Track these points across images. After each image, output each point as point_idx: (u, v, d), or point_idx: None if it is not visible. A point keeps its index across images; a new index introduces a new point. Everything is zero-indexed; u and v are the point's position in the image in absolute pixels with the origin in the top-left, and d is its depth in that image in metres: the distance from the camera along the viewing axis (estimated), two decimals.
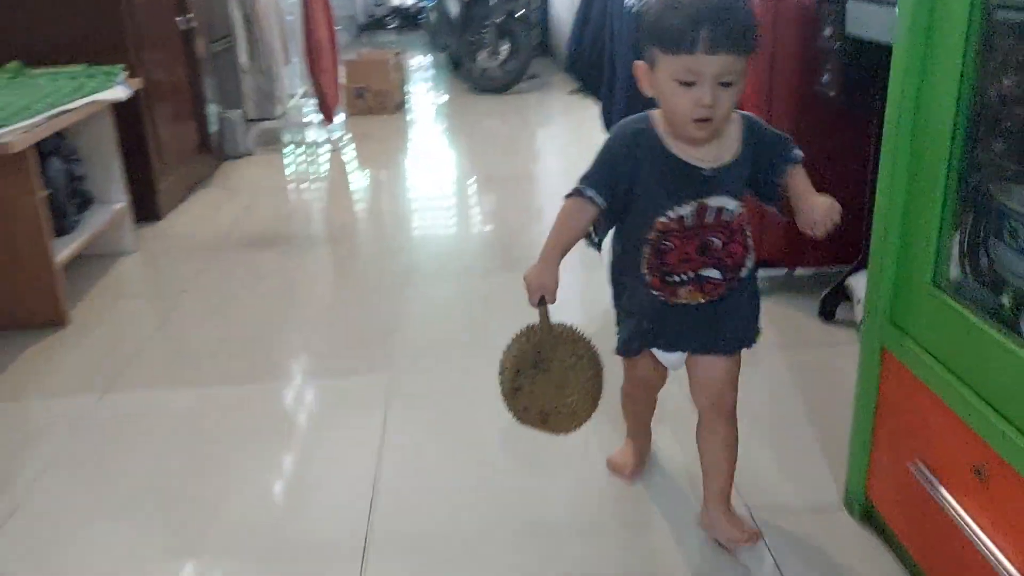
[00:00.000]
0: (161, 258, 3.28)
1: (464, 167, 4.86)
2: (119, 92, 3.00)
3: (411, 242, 3.53)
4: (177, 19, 3.95)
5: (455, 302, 2.85)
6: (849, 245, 2.29)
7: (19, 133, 2.36)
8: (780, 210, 1.42)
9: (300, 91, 5.77)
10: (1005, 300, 1.28)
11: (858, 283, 2.25)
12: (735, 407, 1.51)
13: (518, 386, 1.39)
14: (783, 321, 2.45)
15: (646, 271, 1.39)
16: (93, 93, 2.86)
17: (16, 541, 1.70)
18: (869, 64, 1.99)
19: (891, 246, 1.41)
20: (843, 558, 1.56)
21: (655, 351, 1.50)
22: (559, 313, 1.40)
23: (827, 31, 2.19)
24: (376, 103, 5.91)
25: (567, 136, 5.36)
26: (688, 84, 1.24)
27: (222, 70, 4.71)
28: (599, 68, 3.12)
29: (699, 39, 1.21)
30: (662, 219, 1.35)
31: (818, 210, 1.32)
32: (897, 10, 1.36)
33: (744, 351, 1.49)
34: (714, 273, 1.39)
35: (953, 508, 1.26)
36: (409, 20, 11.50)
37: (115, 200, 3.21)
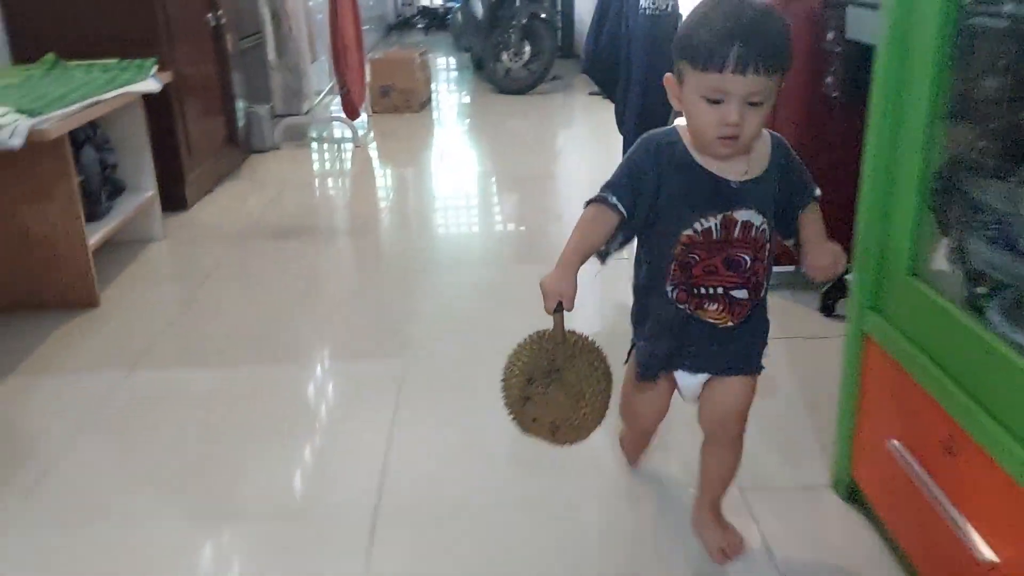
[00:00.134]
0: (187, 246, 3.40)
1: (486, 165, 4.96)
2: (151, 84, 3.12)
3: (431, 235, 3.64)
4: (207, 16, 4.08)
5: (471, 292, 2.94)
6: (851, 244, 2.36)
7: (55, 121, 2.48)
8: (796, 246, 1.42)
9: (327, 88, 5.89)
10: (975, 288, 1.35)
11: None
12: (743, 430, 1.51)
13: (528, 395, 1.34)
14: (785, 315, 2.52)
15: (670, 288, 1.38)
16: (126, 85, 2.98)
17: (45, 502, 1.81)
18: (869, 67, 2.05)
19: (872, 238, 1.49)
20: (827, 535, 1.64)
21: (676, 375, 1.47)
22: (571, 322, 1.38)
23: (830, 35, 2.26)
24: (401, 101, 6.02)
25: (587, 137, 5.44)
26: (715, 102, 1.22)
27: (251, 66, 4.83)
28: (615, 70, 3.20)
29: (728, 58, 1.18)
30: (688, 232, 1.32)
31: (825, 257, 1.36)
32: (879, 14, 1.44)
33: None
34: (743, 294, 1.36)
35: (925, 483, 1.34)
36: (437, 21, 11.63)
37: (145, 189, 3.33)
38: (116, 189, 3.17)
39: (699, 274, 1.35)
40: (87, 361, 2.43)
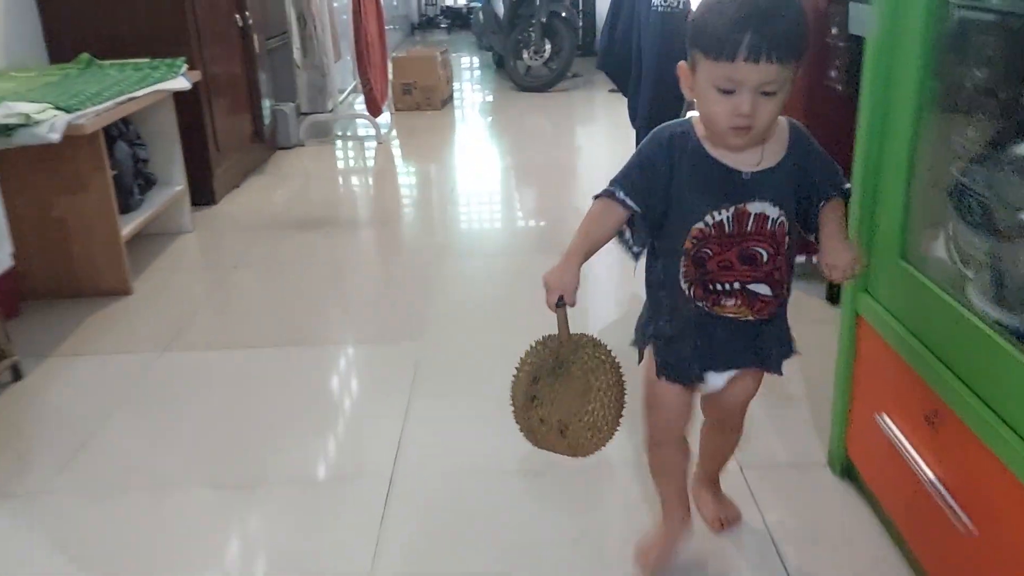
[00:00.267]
0: (216, 237, 3.52)
1: (505, 160, 5.05)
2: (181, 82, 3.23)
3: (451, 227, 3.74)
4: (235, 17, 4.20)
5: (489, 282, 3.04)
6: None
7: (91, 117, 2.59)
8: (818, 240, 1.35)
9: (351, 86, 6.00)
10: (960, 270, 1.43)
11: None
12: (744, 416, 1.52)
13: (534, 395, 1.28)
14: (791, 302, 2.58)
15: (686, 285, 1.32)
16: (157, 83, 3.09)
17: (81, 472, 1.92)
18: None
19: (864, 224, 1.56)
20: (822, 508, 1.71)
21: (708, 376, 1.40)
22: (579, 321, 1.37)
23: (834, 30, 2.33)
24: (423, 99, 6.12)
25: (607, 132, 5.51)
26: (727, 91, 1.18)
27: (277, 65, 4.95)
28: (628, 65, 3.28)
29: (740, 47, 1.13)
30: (699, 225, 1.27)
31: (843, 256, 1.28)
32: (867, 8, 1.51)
33: None
34: (764, 289, 1.31)
35: (909, 454, 1.41)
36: (460, 20, 11.74)
37: (175, 183, 3.45)
38: (148, 183, 3.30)
39: (714, 269, 1.30)
40: (121, 344, 2.55)
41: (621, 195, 1.28)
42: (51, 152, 2.53)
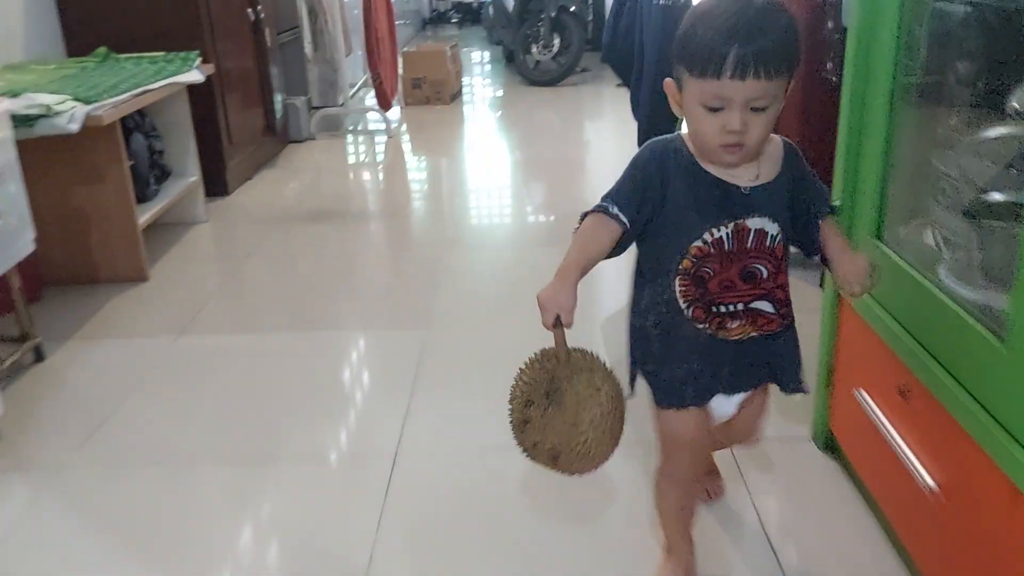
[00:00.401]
0: (229, 227, 3.62)
1: (514, 154, 5.13)
2: (195, 75, 3.33)
3: (459, 220, 3.83)
4: (247, 11, 4.30)
5: (496, 273, 3.13)
6: None
7: (108, 108, 2.69)
8: (824, 262, 1.33)
9: (361, 81, 6.10)
10: (934, 250, 1.50)
11: None
12: None
13: (527, 418, 1.24)
14: None
15: (685, 305, 1.26)
16: (172, 76, 3.19)
17: (100, 449, 2.02)
18: None
19: (844, 206, 1.64)
20: (805, 480, 1.79)
21: (715, 401, 1.34)
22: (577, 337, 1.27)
23: (830, 23, 2.40)
24: (433, 93, 6.21)
25: (614, 126, 5.59)
26: (716, 109, 1.14)
27: (288, 59, 5.05)
28: (631, 58, 3.36)
29: (726, 63, 1.09)
30: (697, 243, 1.23)
31: (859, 269, 1.27)
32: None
33: None
34: (766, 306, 1.28)
35: (882, 424, 1.49)
36: (471, 15, 11.82)
37: (189, 174, 3.55)
38: (163, 173, 3.40)
39: (716, 289, 1.25)
40: (138, 328, 2.65)
41: (615, 210, 1.23)
42: (70, 143, 2.62)
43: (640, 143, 3.35)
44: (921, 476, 1.35)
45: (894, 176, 1.52)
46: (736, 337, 1.28)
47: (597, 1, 8.29)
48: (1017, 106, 1.32)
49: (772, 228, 1.24)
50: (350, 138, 5.36)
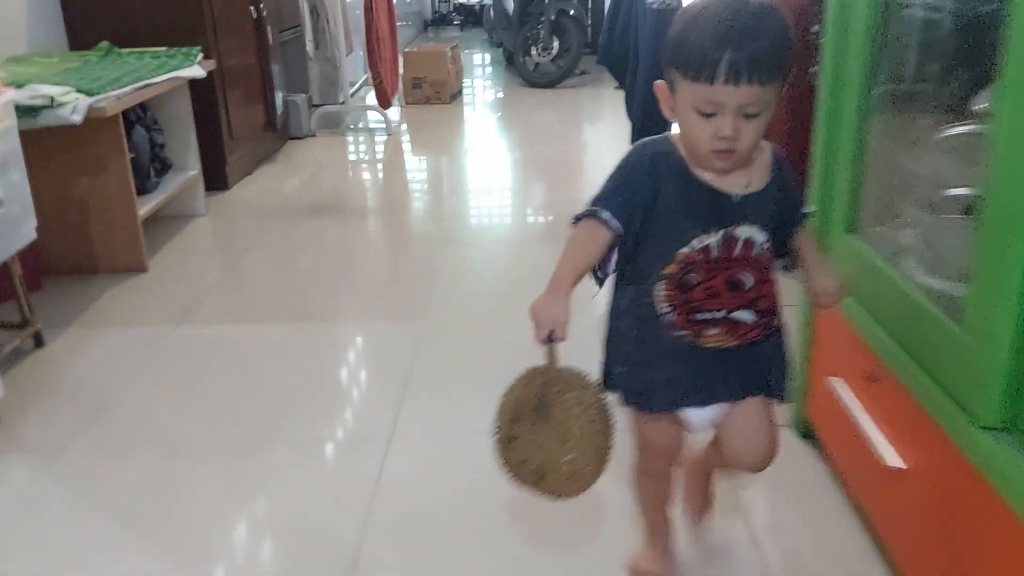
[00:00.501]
0: (228, 221, 3.68)
1: (511, 153, 5.20)
2: (196, 70, 3.38)
3: (456, 217, 3.88)
4: (250, 8, 4.36)
5: (491, 269, 3.18)
6: None
7: (111, 100, 2.75)
8: (787, 266, 1.35)
9: (361, 80, 6.16)
10: (897, 241, 1.56)
11: None
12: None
13: (514, 435, 1.21)
14: None
15: (668, 309, 1.24)
16: (174, 71, 3.24)
17: (99, 433, 2.07)
18: None
19: (820, 203, 1.70)
20: (783, 467, 1.81)
21: (687, 412, 1.32)
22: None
23: (815, 28, 2.46)
24: (433, 93, 6.27)
25: (612, 128, 5.63)
26: (708, 114, 1.12)
27: (290, 57, 5.11)
28: (627, 60, 3.43)
29: (719, 68, 1.07)
30: (685, 250, 1.21)
31: (832, 282, 1.30)
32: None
33: None
34: (747, 316, 1.25)
35: (852, 407, 1.54)
36: (473, 17, 11.89)
37: (189, 168, 3.61)
38: (163, 167, 3.45)
39: (700, 297, 1.23)
40: (137, 317, 2.71)
41: (605, 215, 1.20)
42: (73, 134, 2.68)
43: (633, 141, 3.41)
44: (888, 457, 1.41)
45: (866, 174, 1.58)
46: (712, 344, 1.25)
47: (596, 5, 8.35)
48: (977, 108, 1.37)
49: (760, 236, 1.23)
50: (350, 136, 5.42)
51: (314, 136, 5.23)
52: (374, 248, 3.51)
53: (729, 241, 1.21)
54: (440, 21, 12.52)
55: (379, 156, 5.00)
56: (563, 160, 4.86)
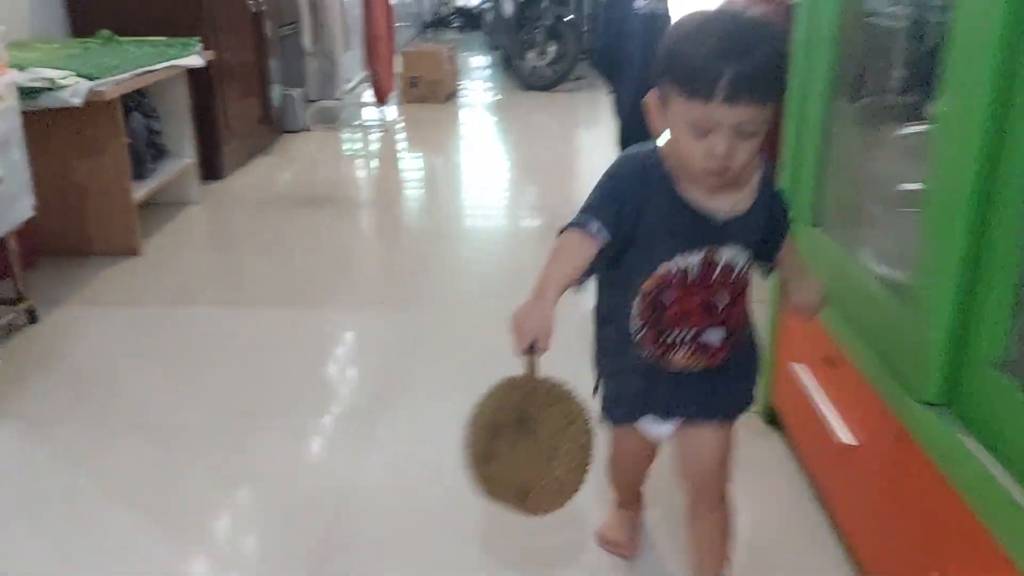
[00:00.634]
0: (222, 209, 3.75)
1: (502, 150, 5.29)
2: (195, 60, 3.46)
3: (447, 210, 3.98)
4: (249, 3, 4.43)
5: (479, 260, 3.27)
6: None
7: (110, 85, 2.82)
8: (767, 272, 1.33)
9: (358, 76, 6.23)
10: (856, 234, 1.64)
11: None
12: (727, 487, 1.37)
13: (494, 452, 1.15)
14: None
15: (639, 324, 1.23)
16: (173, 59, 3.32)
17: (91, 406, 2.15)
18: None
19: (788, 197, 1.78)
20: (749, 451, 1.90)
21: (645, 421, 1.33)
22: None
23: None
24: (429, 92, 6.34)
25: (605, 132, 5.71)
26: (702, 131, 1.08)
27: (287, 52, 5.19)
28: (619, 63, 3.50)
29: (716, 87, 1.04)
30: (662, 268, 1.19)
31: (811, 295, 1.30)
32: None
33: None
34: (717, 335, 1.23)
35: (813, 392, 1.62)
36: (472, 20, 11.96)
37: (185, 156, 3.68)
38: (159, 153, 3.52)
39: (673, 316, 1.21)
40: (130, 298, 2.78)
41: (594, 226, 1.16)
42: (72, 116, 2.75)
43: (619, 141, 3.49)
44: (841, 435, 1.49)
45: (829, 172, 1.66)
46: (678, 368, 1.24)
47: (593, 12, 8.43)
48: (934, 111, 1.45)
49: (741, 258, 1.21)
50: (345, 131, 5.49)
51: (309, 130, 5.30)
52: (365, 239, 3.59)
53: (709, 264, 1.19)
54: (440, 23, 12.58)
55: (373, 151, 5.08)
56: (555, 161, 4.94)
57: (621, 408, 1.33)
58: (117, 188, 3.02)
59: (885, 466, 1.36)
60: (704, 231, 1.18)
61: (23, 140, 2.33)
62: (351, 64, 5.94)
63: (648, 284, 1.20)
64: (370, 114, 5.76)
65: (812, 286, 1.31)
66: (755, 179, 1.21)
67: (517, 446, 1.15)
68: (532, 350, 1.11)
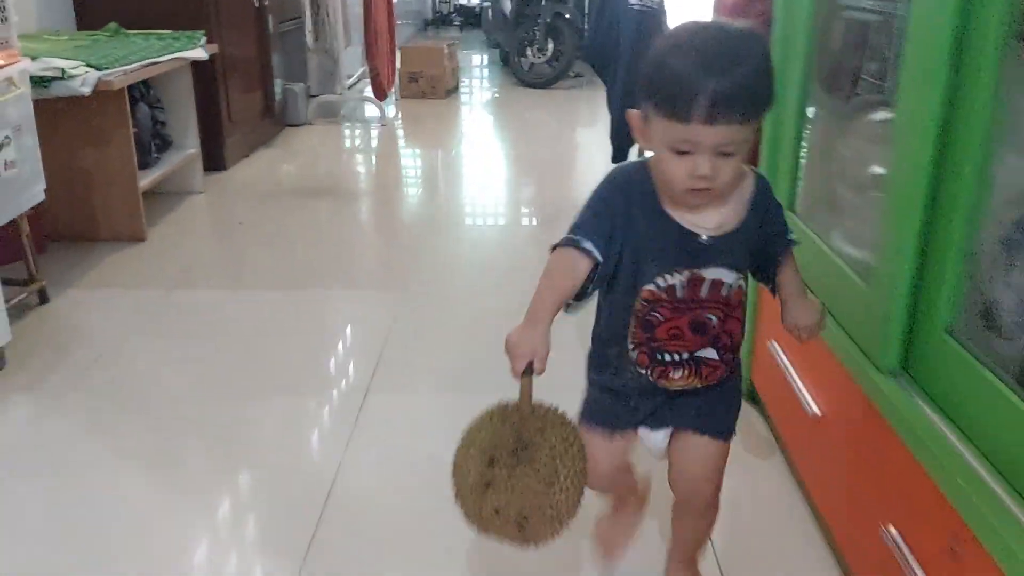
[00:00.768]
0: (224, 199, 3.84)
1: (499, 145, 5.38)
2: (199, 53, 3.55)
3: (444, 202, 4.06)
4: None
5: (472, 250, 3.36)
6: None
7: (118, 75, 2.91)
8: (775, 291, 1.30)
9: (359, 72, 6.32)
10: (828, 218, 1.73)
11: None
12: (718, 496, 1.36)
13: (490, 480, 1.11)
14: None
15: (632, 344, 1.22)
16: (178, 52, 3.41)
17: (98, 380, 2.23)
18: None
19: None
20: None
21: (640, 431, 1.30)
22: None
23: None
24: (428, 87, 6.44)
25: (602, 129, 5.81)
26: (683, 152, 1.06)
27: (290, 47, 5.28)
28: (611, 58, 3.59)
29: (694, 107, 1.01)
30: (649, 287, 1.17)
31: (810, 315, 1.26)
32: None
33: None
34: (711, 354, 1.21)
35: (783, 364, 1.71)
36: (472, 18, 12.05)
37: (189, 146, 3.77)
38: (164, 143, 3.61)
39: (663, 337, 1.20)
40: (135, 281, 2.86)
41: (588, 245, 1.14)
42: (81, 105, 2.84)
43: (611, 137, 3.58)
44: (809, 404, 1.58)
45: (804, 160, 1.75)
46: (678, 387, 1.23)
47: (592, 10, 8.53)
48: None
49: (729, 277, 1.18)
50: (346, 125, 5.58)
51: (311, 124, 5.40)
52: (364, 229, 3.68)
53: (695, 283, 1.17)
54: (440, 21, 12.68)
55: (373, 145, 5.18)
56: (552, 158, 5.03)
57: (613, 417, 1.29)
58: (123, 176, 3.11)
59: (847, 432, 1.46)
60: (688, 251, 1.16)
61: (35, 126, 2.41)
62: (352, 60, 6.03)
63: (639, 304, 1.19)
64: (371, 109, 5.85)
65: (811, 306, 1.27)
66: (747, 192, 1.18)
67: (515, 473, 1.11)
68: (528, 372, 1.10)
